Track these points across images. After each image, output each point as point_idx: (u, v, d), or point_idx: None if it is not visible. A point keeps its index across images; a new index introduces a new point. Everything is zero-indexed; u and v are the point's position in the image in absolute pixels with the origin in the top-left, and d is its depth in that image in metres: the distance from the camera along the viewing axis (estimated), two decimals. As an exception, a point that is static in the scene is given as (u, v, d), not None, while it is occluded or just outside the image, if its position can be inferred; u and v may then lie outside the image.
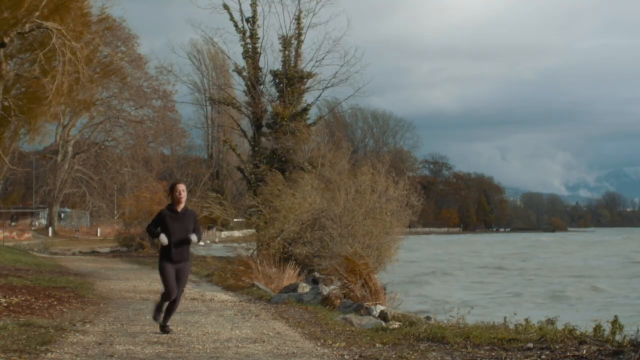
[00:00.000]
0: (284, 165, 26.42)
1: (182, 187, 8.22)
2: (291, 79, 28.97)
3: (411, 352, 6.99)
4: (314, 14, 29.32)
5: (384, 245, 19.24)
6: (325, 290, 12.76)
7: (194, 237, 8.11)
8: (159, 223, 8.15)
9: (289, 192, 20.41)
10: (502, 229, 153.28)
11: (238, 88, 33.43)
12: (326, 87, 29.91)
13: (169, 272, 8.15)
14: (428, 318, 11.28)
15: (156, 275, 23.65)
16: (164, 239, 8.00)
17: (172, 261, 8.16)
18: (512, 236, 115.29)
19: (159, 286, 16.47)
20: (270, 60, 31.83)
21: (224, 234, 56.22)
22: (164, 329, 8.38)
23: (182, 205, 8.16)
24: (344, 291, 12.94)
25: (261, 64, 30.09)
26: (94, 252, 37.36)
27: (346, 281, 13.23)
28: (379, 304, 11.84)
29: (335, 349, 7.42)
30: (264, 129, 29.80)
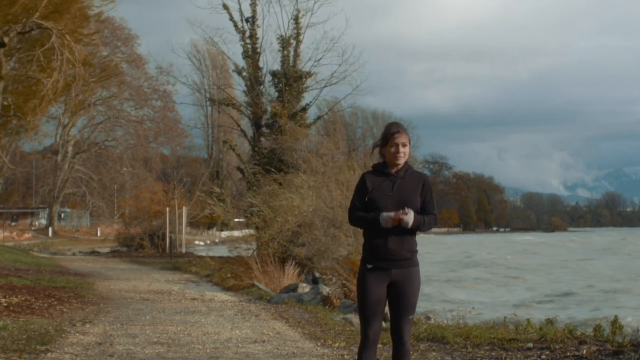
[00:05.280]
0: (282, 164, 26.41)
1: (402, 138, 4.48)
2: (290, 79, 29.01)
3: (411, 352, 6.98)
4: (312, 14, 29.36)
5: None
6: (325, 290, 12.77)
7: (409, 215, 4.33)
8: (362, 198, 4.51)
9: (287, 192, 20.40)
10: (502, 229, 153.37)
11: (238, 88, 33.45)
12: (325, 86, 29.99)
13: (370, 287, 4.43)
14: (428, 318, 11.28)
15: (156, 274, 23.57)
16: (385, 218, 4.34)
17: (380, 264, 4.42)
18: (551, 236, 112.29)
19: (158, 286, 16.60)
20: (270, 60, 31.86)
21: (224, 234, 56.27)
22: None
23: (400, 166, 4.52)
24: (344, 291, 12.94)
25: (261, 63, 30.12)
26: (94, 252, 37.35)
27: (346, 281, 13.23)
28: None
29: (335, 349, 7.42)
30: (264, 129, 29.83)
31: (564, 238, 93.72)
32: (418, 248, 4.51)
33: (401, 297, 4.42)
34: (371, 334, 4.42)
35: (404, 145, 4.45)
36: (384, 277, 4.41)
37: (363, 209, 4.49)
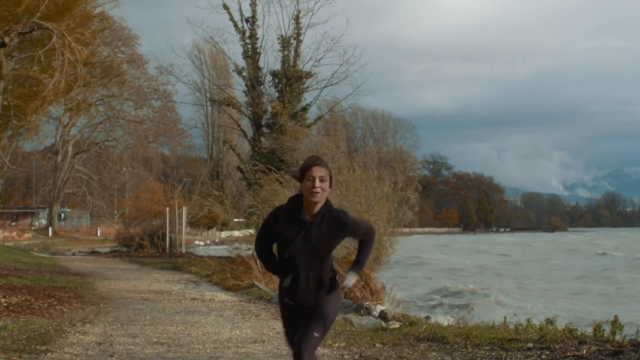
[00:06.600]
0: (283, 164, 26.44)
1: (320, 172, 4.08)
2: (290, 79, 29.03)
3: (411, 352, 6.99)
4: (312, 14, 29.43)
5: (382, 244, 19.19)
6: (325, 290, 12.75)
7: (348, 280, 4.35)
8: (271, 238, 4.28)
9: (286, 192, 20.38)
10: (502, 229, 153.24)
11: (238, 88, 33.52)
12: (325, 87, 30.06)
13: (287, 314, 4.35)
14: (428, 318, 11.29)
15: (156, 274, 23.56)
16: (287, 282, 4.27)
17: (296, 299, 4.24)
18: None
19: (158, 286, 16.58)
20: (270, 60, 31.91)
21: (224, 234, 56.29)
22: None
23: (318, 206, 4.12)
24: (344, 291, 12.93)
25: (261, 63, 30.19)
26: (94, 252, 37.34)
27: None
28: (379, 303, 11.84)
29: (335, 349, 7.42)
30: (264, 129, 29.86)
31: (544, 239, 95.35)
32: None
33: (311, 315, 4.16)
34: (296, 347, 4.17)
35: (322, 180, 4.02)
36: (300, 308, 4.23)
37: (270, 246, 4.30)
